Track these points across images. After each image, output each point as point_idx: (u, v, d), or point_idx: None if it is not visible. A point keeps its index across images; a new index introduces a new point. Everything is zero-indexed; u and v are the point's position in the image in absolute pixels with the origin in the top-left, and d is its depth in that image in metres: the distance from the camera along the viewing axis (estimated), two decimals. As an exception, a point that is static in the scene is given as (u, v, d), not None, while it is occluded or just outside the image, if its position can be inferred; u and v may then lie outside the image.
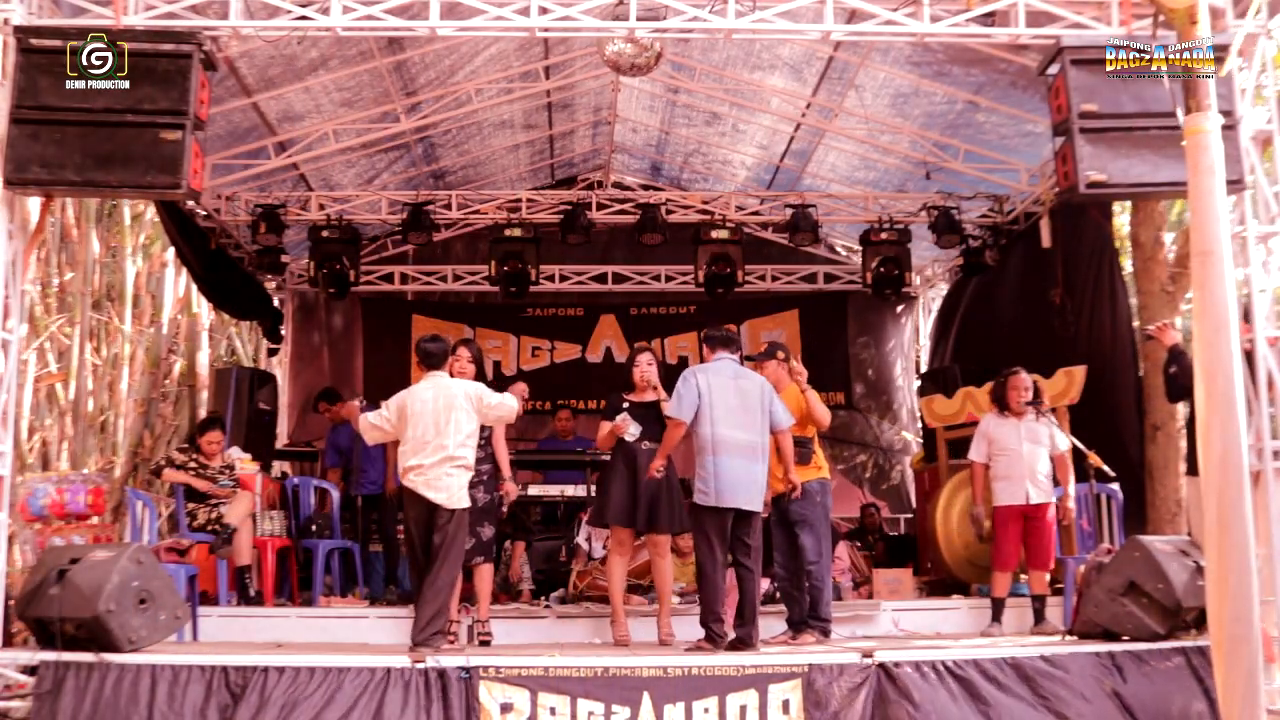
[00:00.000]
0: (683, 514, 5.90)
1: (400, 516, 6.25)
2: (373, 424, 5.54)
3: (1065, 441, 6.32)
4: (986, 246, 9.28)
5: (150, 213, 11.11)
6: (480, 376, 5.87)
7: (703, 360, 5.78)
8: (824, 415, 5.89)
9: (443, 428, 5.34)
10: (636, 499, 5.83)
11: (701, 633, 5.44)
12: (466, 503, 5.41)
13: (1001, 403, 6.35)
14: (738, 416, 5.47)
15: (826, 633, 5.76)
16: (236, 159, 8.49)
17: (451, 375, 5.66)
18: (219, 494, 6.73)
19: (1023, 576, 6.55)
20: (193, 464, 6.79)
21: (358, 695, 4.61)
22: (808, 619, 5.74)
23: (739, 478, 5.42)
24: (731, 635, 5.40)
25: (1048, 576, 6.24)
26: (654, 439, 5.83)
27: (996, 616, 6.21)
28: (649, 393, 6.03)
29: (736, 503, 5.43)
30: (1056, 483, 6.28)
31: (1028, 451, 6.20)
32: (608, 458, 6.19)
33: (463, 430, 5.38)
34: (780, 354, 5.98)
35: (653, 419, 5.91)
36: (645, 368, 6.06)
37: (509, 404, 5.58)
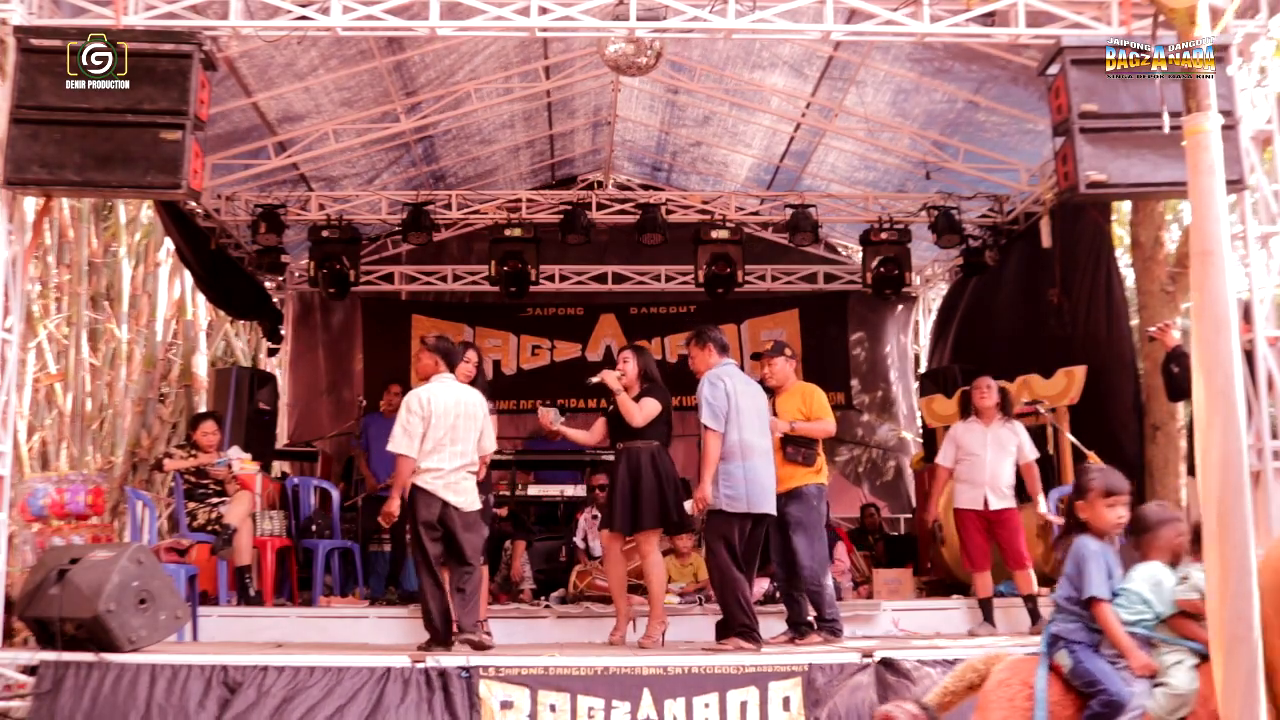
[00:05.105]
0: (682, 514, 5.79)
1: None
2: (412, 435, 5.35)
3: (1033, 451, 6.31)
4: (986, 246, 9.27)
5: (146, 212, 11.10)
6: (479, 378, 5.92)
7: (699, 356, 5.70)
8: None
9: (461, 435, 5.41)
10: (639, 500, 5.70)
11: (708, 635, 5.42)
12: (479, 505, 5.54)
13: (966, 409, 6.42)
14: (756, 421, 5.47)
15: (836, 633, 5.70)
16: (236, 159, 8.48)
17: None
18: (219, 474, 6.71)
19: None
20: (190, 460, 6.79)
21: (357, 694, 4.61)
22: (815, 623, 5.72)
23: (766, 482, 5.43)
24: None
25: (1034, 575, 6.22)
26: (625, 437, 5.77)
27: (987, 617, 6.21)
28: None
29: (766, 507, 5.43)
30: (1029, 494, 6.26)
31: (991, 458, 6.22)
32: (610, 457, 6.17)
33: (474, 441, 5.51)
34: (788, 351, 6.00)
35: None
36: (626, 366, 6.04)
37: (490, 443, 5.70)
